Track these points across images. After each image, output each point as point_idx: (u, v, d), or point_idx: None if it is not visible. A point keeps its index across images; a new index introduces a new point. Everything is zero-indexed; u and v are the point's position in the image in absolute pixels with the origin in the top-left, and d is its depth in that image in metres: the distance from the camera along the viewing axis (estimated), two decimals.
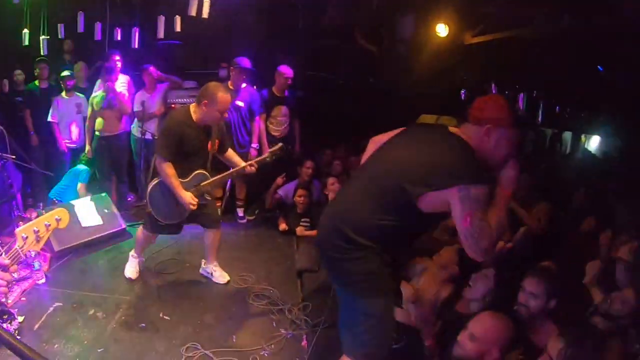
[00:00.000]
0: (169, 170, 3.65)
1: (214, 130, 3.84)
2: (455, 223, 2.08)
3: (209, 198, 3.99)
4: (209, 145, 3.84)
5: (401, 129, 2.50)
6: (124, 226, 5.12)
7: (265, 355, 3.32)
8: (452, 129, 2.28)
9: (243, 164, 4.00)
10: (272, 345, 3.41)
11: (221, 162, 4.12)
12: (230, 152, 4.09)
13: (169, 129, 3.72)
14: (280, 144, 4.28)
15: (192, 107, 3.75)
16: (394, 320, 2.43)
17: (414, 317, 3.29)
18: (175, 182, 3.67)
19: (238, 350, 3.32)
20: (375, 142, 2.57)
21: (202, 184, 3.84)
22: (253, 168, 3.97)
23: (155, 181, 3.82)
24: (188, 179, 3.78)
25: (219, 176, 3.94)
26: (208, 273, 4.31)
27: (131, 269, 4.25)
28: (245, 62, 5.34)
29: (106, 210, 5.15)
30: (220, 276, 4.26)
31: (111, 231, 5.01)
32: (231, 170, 4.03)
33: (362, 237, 2.19)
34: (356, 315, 2.29)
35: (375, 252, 2.21)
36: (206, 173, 3.87)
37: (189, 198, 3.70)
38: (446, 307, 3.26)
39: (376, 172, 2.33)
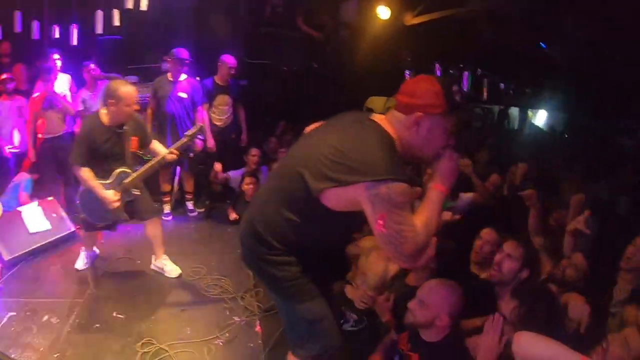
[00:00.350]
0: (85, 174, 3.80)
1: (129, 128, 3.88)
2: (372, 228, 1.80)
3: (137, 192, 4.04)
4: (126, 144, 3.88)
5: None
6: (73, 229, 5.05)
7: (220, 344, 3.41)
8: (375, 117, 1.99)
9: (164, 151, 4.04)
10: (227, 334, 3.51)
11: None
12: (154, 145, 4.14)
13: (79, 137, 3.92)
14: (199, 125, 4.35)
15: (103, 111, 3.84)
16: (331, 313, 2.26)
17: (367, 296, 3.44)
18: (93, 183, 3.81)
19: (193, 341, 3.40)
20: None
21: (124, 181, 3.91)
22: (173, 155, 4.01)
23: (82, 187, 3.95)
24: (110, 180, 3.89)
25: (140, 170, 3.97)
26: (159, 268, 4.36)
27: (79, 261, 4.39)
28: (183, 53, 5.33)
29: (54, 215, 5.07)
30: (171, 270, 4.32)
31: (60, 235, 4.93)
32: (152, 161, 4.03)
33: (275, 238, 1.99)
34: (298, 321, 2.19)
35: (297, 259, 2.06)
36: (128, 170, 3.94)
37: (110, 196, 3.82)
38: (397, 281, 3.38)
39: (285, 164, 2.13)
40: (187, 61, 5.36)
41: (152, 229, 4.26)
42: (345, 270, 3.66)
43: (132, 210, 4.04)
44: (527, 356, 1.88)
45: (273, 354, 3.23)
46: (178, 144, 4.05)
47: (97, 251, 4.59)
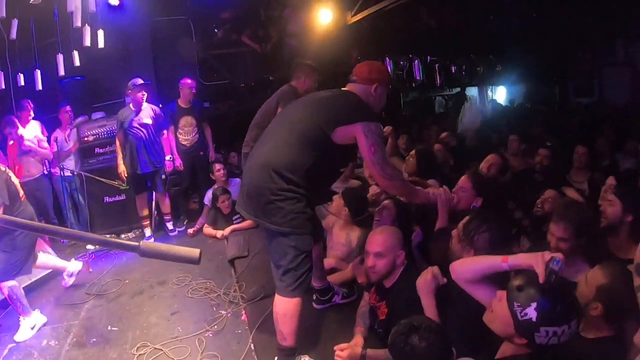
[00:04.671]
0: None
1: None
2: (362, 156, 2.71)
3: None
4: None
5: None
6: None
7: (210, 335, 3.64)
8: (346, 88, 2.88)
9: None
10: (215, 326, 3.73)
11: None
12: None
13: None
14: None
15: None
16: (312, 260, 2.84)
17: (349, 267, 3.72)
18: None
19: (184, 337, 3.62)
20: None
21: None
22: None
23: None
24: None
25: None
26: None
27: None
28: (138, 81, 5.65)
29: (41, 252, 5.24)
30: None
31: (49, 272, 5.09)
32: None
33: (295, 174, 2.59)
34: (286, 250, 2.69)
35: (303, 194, 2.63)
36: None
37: None
38: (363, 245, 3.66)
39: (292, 123, 2.76)
40: (144, 85, 5.66)
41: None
42: None
43: None
44: (463, 278, 2.09)
45: (259, 334, 3.46)
46: None
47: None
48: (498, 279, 2.00)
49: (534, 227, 3.64)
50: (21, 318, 4.01)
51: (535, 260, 1.76)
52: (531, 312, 1.69)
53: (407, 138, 6.57)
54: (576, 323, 1.71)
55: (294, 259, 2.70)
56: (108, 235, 5.97)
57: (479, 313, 1.98)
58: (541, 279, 1.71)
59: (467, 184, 3.39)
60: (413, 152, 4.88)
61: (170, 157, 5.93)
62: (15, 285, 4.01)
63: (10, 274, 4.00)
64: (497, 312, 1.82)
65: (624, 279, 2.14)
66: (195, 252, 1.18)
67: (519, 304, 1.72)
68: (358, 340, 2.89)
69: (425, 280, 2.54)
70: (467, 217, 2.71)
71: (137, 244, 1.15)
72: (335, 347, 2.77)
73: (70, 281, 4.73)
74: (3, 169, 3.99)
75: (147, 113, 5.72)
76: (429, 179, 4.23)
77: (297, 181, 2.61)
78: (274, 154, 2.67)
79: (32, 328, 4.02)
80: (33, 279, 4.91)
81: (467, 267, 2.10)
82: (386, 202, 3.56)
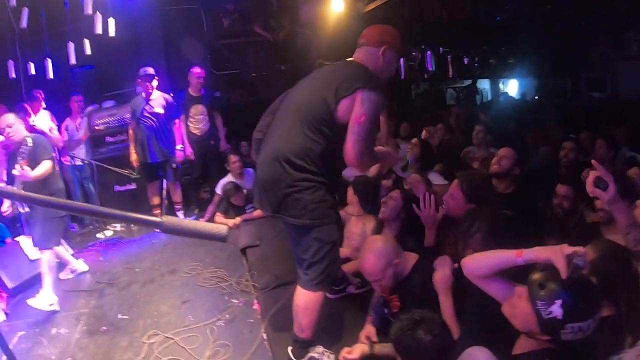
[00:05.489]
0: None
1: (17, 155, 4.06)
2: (350, 121, 2.44)
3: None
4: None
5: None
6: (70, 252, 5.21)
7: (222, 324, 3.58)
8: (352, 58, 2.71)
9: None
10: (227, 315, 3.67)
11: None
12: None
13: None
14: None
15: None
16: (337, 242, 2.73)
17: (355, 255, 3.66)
18: None
19: (196, 326, 3.57)
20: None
21: None
22: None
23: None
24: None
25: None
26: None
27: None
28: (149, 70, 5.60)
29: None
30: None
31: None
32: None
33: (306, 160, 2.46)
34: (309, 243, 2.57)
35: (320, 181, 2.51)
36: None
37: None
38: (376, 234, 3.60)
39: (296, 105, 2.63)
40: (154, 76, 5.61)
41: None
42: None
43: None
44: (476, 274, 2.00)
45: (271, 324, 3.41)
46: None
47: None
48: (511, 273, 1.92)
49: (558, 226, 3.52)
50: (41, 291, 4.12)
51: (554, 254, 1.66)
52: (556, 310, 1.62)
53: (408, 126, 6.58)
54: (600, 314, 1.65)
55: (318, 252, 2.58)
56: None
57: (496, 305, 1.92)
58: (563, 275, 1.62)
59: (456, 191, 3.12)
60: (415, 140, 4.87)
61: (181, 147, 5.88)
62: (52, 255, 4.25)
63: (54, 240, 4.30)
64: (518, 309, 1.76)
65: (615, 252, 2.14)
66: (222, 228, 1.09)
67: (543, 302, 1.65)
68: (370, 330, 2.83)
69: (443, 276, 2.47)
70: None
71: (159, 219, 1.06)
72: (342, 351, 2.72)
73: (68, 276, 4.74)
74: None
75: (158, 102, 5.67)
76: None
77: (310, 168, 2.49)
78: (281, 143, 2.56)
79: (51, 305, 4.09)
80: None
81: (479, 263, 2.00)
82: (393, 192, 3.51)
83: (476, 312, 2.27)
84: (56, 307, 4.10)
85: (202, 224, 1.10)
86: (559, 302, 1.61)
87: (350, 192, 3.96)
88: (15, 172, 3.94)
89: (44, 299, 4.06)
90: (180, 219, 1.12)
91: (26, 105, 5.81)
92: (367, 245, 2.77)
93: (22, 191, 3.42)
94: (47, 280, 4.14)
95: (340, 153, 2.56)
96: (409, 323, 1.94)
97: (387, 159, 3.06)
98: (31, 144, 4.07)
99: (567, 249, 1.66)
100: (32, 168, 3.98)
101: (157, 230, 1.11)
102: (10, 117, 4.20)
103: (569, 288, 1.63)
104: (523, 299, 1.72)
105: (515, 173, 3.91)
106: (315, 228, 2.54)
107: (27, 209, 4.19)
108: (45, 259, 4.17)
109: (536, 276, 1.71)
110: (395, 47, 2.67)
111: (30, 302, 4.01)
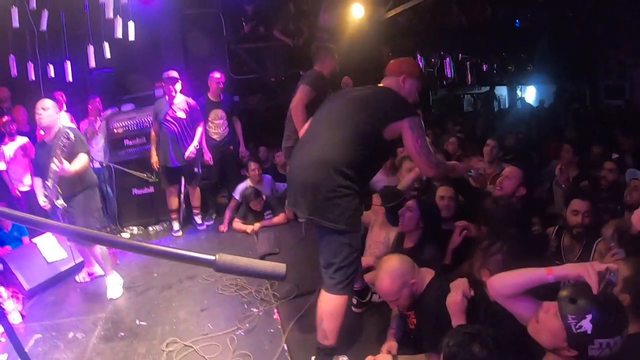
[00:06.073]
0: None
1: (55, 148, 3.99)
2: (408, 149, 2.78)
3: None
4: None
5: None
6: None
7: (242, 334, 3.52)
8: (383, 83, 2.98)
9: None
10: (247, 324, 3.61)
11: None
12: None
13: None
14: None
15: None
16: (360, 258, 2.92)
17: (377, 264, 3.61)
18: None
19: (215, 335, 3.51)
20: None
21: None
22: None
23: None
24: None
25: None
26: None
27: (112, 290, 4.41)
28: (172, 73, 5.57)
29: (69, 244, 5.22)
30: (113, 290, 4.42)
31: (77, 262, 5.09)
32: None
33: (353, 170, 2.62)
34: (341, 247, 2.67)
35: (358, 190, 2.66)
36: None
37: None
38: (397, 244, 3.65)
39: (343, 118, 2.78)
40: (178, 79, 5.57)
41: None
42: None
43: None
44: (503, 294, 1.99)
45: (292, 334, 3.36)
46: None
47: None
48: (537, 292, 1.96)
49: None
50: (107, 278, 4.41)
51: (586, 271, 1.70)
52: (586, 325, 1.64)
53: (431, 134, 6.54)
54: (627, 332, 1.67)
55: (348, 257, 2.68)
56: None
57: (512, 327, 1.98)
58: (595, 290, 1.66)
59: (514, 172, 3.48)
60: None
61: (198, 146, 5.79)
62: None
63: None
64: (545, 324, 1.77)
65: None
66: (280, 267, 1.04)
67: (574, 317, 1.67)
68: (391, 344, 2.86)
69: (455, 302, 2.42)
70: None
71: (212, 257, 1.00)
72: None
73: (85, 279, 4.76)
74: None
75: (181, 107, 5.62)
76: None
77: (352, 177, 2.62)
78: (332, 151, 2.66)
79: (120, 284, 4.42)
80: (67, 266, 4.95)
81: (507, 282, 1.99)
82: (409, 202, 3.46)
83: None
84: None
85: (257, 262, 1.05)
86: (589, 316, 1.64)
87: (376, 201, 3.90)
88: (53, 167, 3.94)
89: (114, 285, 4.37)
90: (235, 257, 1.05)
91: (59, 97, 5.81)
92: (383, 265, 2.75)
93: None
94: (108, 267, 4.42)
95: (375, 165, 2.90)
96: (464, 337, 1.90)
97: (455, 170, 3.25)
98: (73, 138, 4.02)
99: (599, 265, 1.70)
100: (70, 162, 3.99)
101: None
102: (48, 102, 4.21)
103: (600, 304, 1.66)
104: (551, 314, 1.74)
105: (521, 194, 3.73)
106: (348, 234, 2.66)
107: (62, 203, 4.12)
108: (98, 250, 4.37)
109: (567, 291, 1.74)
110: (414, 75, 2.93)
111: (110, 294, 4.32)
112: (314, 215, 2.67)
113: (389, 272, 2.66)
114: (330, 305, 2.72)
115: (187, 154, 5.61)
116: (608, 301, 1.68)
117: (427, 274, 2.74)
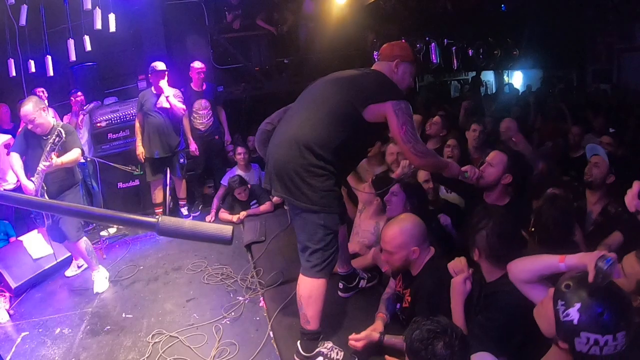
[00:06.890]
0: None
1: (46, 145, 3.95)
2: (393, 135, 2.66)
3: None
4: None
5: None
6: None
7: (228, 322, 3.52)
8: (373, 67, 2.89)
9: None
10: (232, 313, 3.62)
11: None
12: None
13: None
14: None
15: None
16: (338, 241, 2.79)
17: (370, 254, 3.60)
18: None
19: (201, 325, 3.51)
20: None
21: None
22: None
23: None
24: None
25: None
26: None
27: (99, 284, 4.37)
28: (160, 65, 5.53)
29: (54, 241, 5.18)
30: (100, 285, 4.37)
31: (63, 258, 5.05)
32: None
33: (325, 150, 2.55)
34: (315, 229, 2.62)
35: (332, 171, 2.59)
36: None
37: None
38: None
39: (321, 99, 2.72)
40: (165, 72, 5.54)
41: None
42: None
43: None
44: (520, 278, 1.97)
45: (278, 322, 3.34)
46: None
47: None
48: (555, 279, 1.83)
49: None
50: (93, 273, 4.38)
51: (589, 260, 1.60)
52: (573, 314, 1.55)
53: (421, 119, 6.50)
54: (625, 336, 1.51)
55: (323, 238, 2.63)
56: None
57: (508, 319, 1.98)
58: (590, 278, 1.57)
59: (498, 157, 3.20)
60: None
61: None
62: (87, 240, 4.41)
63: (83, 228, 4.52)
64: (543, 307, 1.72)
65: None
66: (226, 228, 0.97)
67: (563, 303, 1.59)
68: (378, 325, 2.83)
69: (460, 283, 2.44)
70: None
71: (154, 219, 0.95)
72: (350, 337, 2.71)
73: (75, 273, 4.75)
74: None
75: (178, 96, 5.62)
76: None
77: (327, 157, 2.56)
78: (304, 130, 2.62)
79: (106, 278, 4.41)
80: (53, 263, 4.89)
81: (524, 267, 1.96)
82: (393, 188, 3.42)
83: (483, 324, 2.25)
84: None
85: (202, 225, 0.98)
86: (577, 305, 1.55)
87: (368, 189, 3.81)
88: (42, 166, 3.91)
89: (100, 279, 4.34)
90: (180, 219, 0.99)
91: (40, 93, 5.73)
92: (401, 217, 2.81)
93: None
94: (94, 261, 4.40)
95: (355, 149, 2.76)
96: (429, 334, 1.80)
97: (450, 169, 2.95)
98: (64, 135, 3.97)
99: (601, 254, 1.60)
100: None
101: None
102: (29, 107, 4.00)
103: (595, 295, 1.54)
104: (549, 298, 1.67)
105: (506, 182, 3.23)
106: (323, 214, 2.60)
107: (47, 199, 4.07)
108: (83, 246, 4.33)
109: (566, 278, 1.66)
110: (408, 59, 2.84)
111: (97, 289, 4.28)
112: (287, 195, 2.63)
113: (401, 226, 2.69)
114: (307, 288, 2.69)
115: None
116: (607, 295, 1.55)
117: (428, 252, 2.73)
